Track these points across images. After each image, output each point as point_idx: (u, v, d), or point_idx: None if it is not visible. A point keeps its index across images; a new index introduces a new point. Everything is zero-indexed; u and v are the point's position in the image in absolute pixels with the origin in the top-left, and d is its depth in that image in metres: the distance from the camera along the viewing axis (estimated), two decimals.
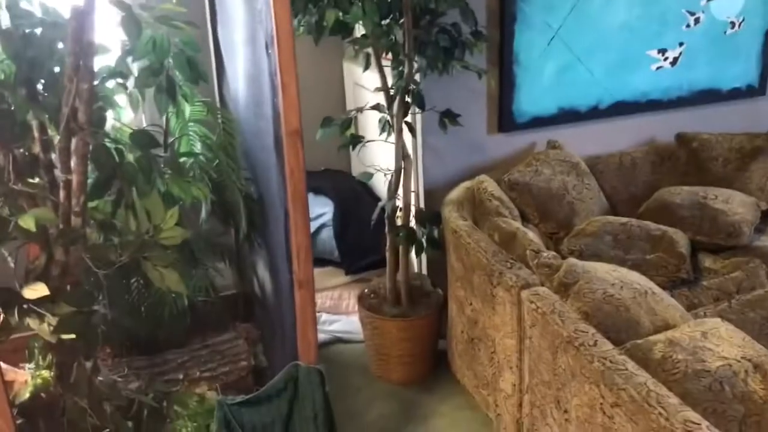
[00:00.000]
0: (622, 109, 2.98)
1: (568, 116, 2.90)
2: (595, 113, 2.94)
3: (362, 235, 3.18)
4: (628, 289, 1.93)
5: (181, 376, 2.40)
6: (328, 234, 3.30)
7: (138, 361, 2.46)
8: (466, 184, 2.62)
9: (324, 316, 3.06)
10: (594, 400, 1.68)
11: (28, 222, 1.66)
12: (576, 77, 2.86)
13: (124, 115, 2.14)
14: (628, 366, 1.61)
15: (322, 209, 3.34)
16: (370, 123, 2.82)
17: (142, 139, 1.75)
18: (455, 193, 2.59)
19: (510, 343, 2.12)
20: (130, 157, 1.79)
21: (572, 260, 2.06)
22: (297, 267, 1.83)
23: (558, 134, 2.88)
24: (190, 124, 2.40)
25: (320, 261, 3.26)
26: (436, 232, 2.61)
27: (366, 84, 3.27)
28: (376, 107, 2.45)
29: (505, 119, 2.81)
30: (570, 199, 2.66)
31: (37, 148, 1.83)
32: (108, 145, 1.76)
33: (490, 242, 2.26)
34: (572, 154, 2.80)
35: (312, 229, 3.01)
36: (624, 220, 2.55)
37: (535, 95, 2.82)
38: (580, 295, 1.91)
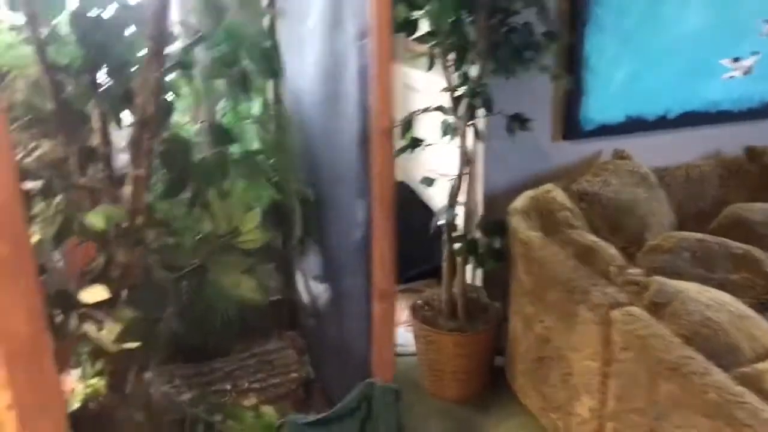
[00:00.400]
0: (690, 119, 2.86)
1: (635, 125, 2.78)
2: (662, 123, 2.82)
3: (411, 243, 3.04)
4: (724, 311, 1.80)
5: (229, 387, 2.27)
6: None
7: (183, 369, 2.33)
8: (531, 192, 2.48)
9: None
10: None
11: (97, 219, 1.53)
12: (645, 84, 2.74)
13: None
14: (749, 398, 1.48)
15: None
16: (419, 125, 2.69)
17: (219, 134, 1.61)
18: (520, 202, 2.45)
19: (591, 365, 1.98)
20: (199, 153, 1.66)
21: (661, 278, 1.93)
22: (379, 277, 1.69)
23: (624, 144, 2.75)
24: (247, 120, 2.27)
25: None
26: (498, 243, 2.46)
27: (417, 85, 3.15)
28: (440, 109, 2.33)
29: (571, 126, 2.69)
30: (641, 212, 2.53)
31: (96, 141, 1.70)
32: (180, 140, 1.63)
33: (568, 256, 2.13)
34: (641, 165, 2.67)
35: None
36: (700, 236, 2.40)
37: (603, 102, 2.70)
38: (675, 317, 1.78)
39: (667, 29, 2.68)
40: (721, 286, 2.16)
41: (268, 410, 2.00)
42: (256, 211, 1.62)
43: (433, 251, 2.65)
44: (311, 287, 2.37)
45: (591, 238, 2.21)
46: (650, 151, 2.78)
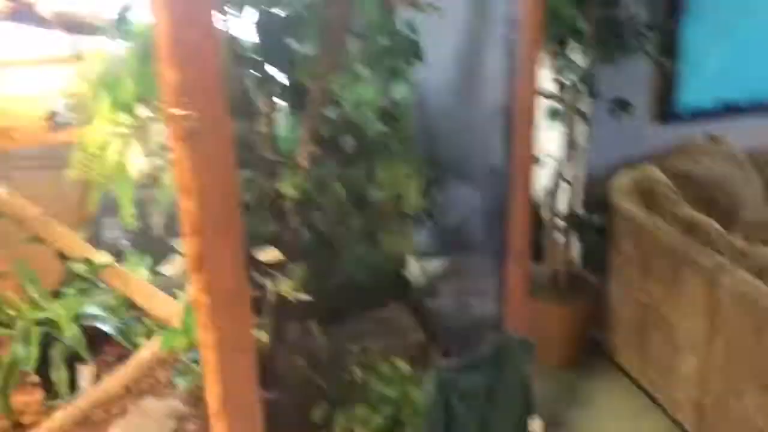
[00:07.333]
0: None
1: (727, 110, 3.00)
2: (755, 108, 3.04)
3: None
4: None
5: (354, 348, 2.43)
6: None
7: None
8: (631, 172, 2.72)
9: None
10: None
11: (287, 188, 1.78)
12: (738, 71, 2.95)
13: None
14: None
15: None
16: None
17: (389, 116, 1.93)
18: (621, 182, 2.71)
19: (697, 325, 2.24)
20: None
21: (762, 246, 2.16)
22: (516, 240, 1.92)
23: (717, 128, 2.96)
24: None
25: None
26: (599, 219, 2.75)
27: None
28: (547, 95, 2.60)
29: (666, 110, 2.93)
30: (734, 191, 2.75)
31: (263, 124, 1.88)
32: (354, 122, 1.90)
33: (673, 228, 2.38)
34: (734, 148, 2.87)
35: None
36: None
37: (698, 87, 2.92)
38: None
39: (760, 18, 2.89)
40: None
41: (401, 363, 2.18)
42: (418, 180, 1.86)
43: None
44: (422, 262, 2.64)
45: (692, 212, 2.44)
46: (742, 136, 2.95)
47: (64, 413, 1.97)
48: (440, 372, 1.97)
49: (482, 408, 1.98)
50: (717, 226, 2.33)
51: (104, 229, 2.77)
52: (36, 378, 2.31)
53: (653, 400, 2.62)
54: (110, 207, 2.46)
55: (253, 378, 1.75)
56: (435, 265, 2.74)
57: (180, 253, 1.84)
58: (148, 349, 1.97)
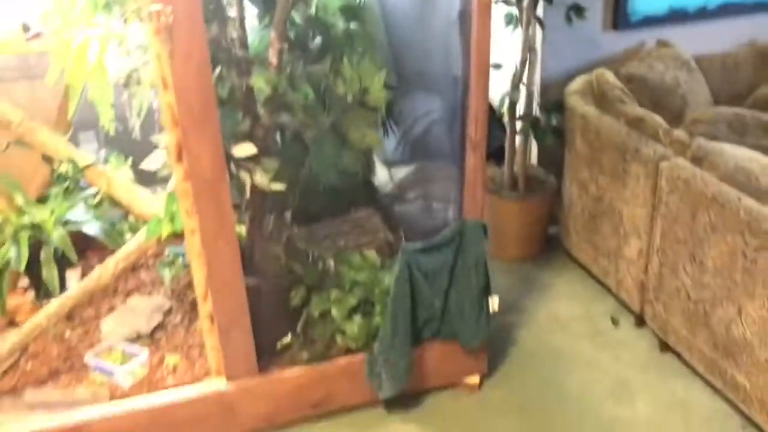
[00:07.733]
0: (728, 10, 3.18)
1: (676, 16, 3.13)
2: (702, 13, 3.16)
3: None
4: (757, 163, 2.16)
5: (327, 245, 2.59)
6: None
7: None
8: (585, 76, 2.88)
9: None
10: (736, 247, 2.02)
11: (260, 83, 1.88)
12: None
13: None
14: None
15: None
16: None
17: (350, 12, 2.04)
18: (576, 85, 2.87)
19: (641, 212, 2.46)
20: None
21: (701, 138, 2.32)
22: (474, 131, 2.05)
23: (667, 34, 3.10)
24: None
25: None
26: (555, 120, 2.89)
27: None
28: (505, 1, 2.72)
29: (620, 17, 3.05)
30: (682, 92, 2.90)
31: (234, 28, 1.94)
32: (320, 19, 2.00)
33: (621, 124, 2.56)
34: (682, 52, 3.01)
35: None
36: (736, 109, 2.78)
37: None
38: (714, 166, 2.19)
39: None
40: (753, 149, 2.45)
41: (370, 254, 2.36)
42: (382, 74, 1.94)
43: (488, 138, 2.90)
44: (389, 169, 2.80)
45: (640, 109, 2.59)
46: (690, 40, 3.08)
47: (58, 302, 2.12)
48: (405, 252, 2.14)
49: (444, 284, 2.18)
50: (661, 120, 2.50)
51: (82, 144, 2.87)
52: (26, 281, 2.47)
53: (603, 285, 2.85)
54: (87, 121, 2.58)
55: (236, 260, 1.96)
56: (402, 172, 2.88)
57: (160, 148, 1.96)
58: (134, 241, 2.11)
